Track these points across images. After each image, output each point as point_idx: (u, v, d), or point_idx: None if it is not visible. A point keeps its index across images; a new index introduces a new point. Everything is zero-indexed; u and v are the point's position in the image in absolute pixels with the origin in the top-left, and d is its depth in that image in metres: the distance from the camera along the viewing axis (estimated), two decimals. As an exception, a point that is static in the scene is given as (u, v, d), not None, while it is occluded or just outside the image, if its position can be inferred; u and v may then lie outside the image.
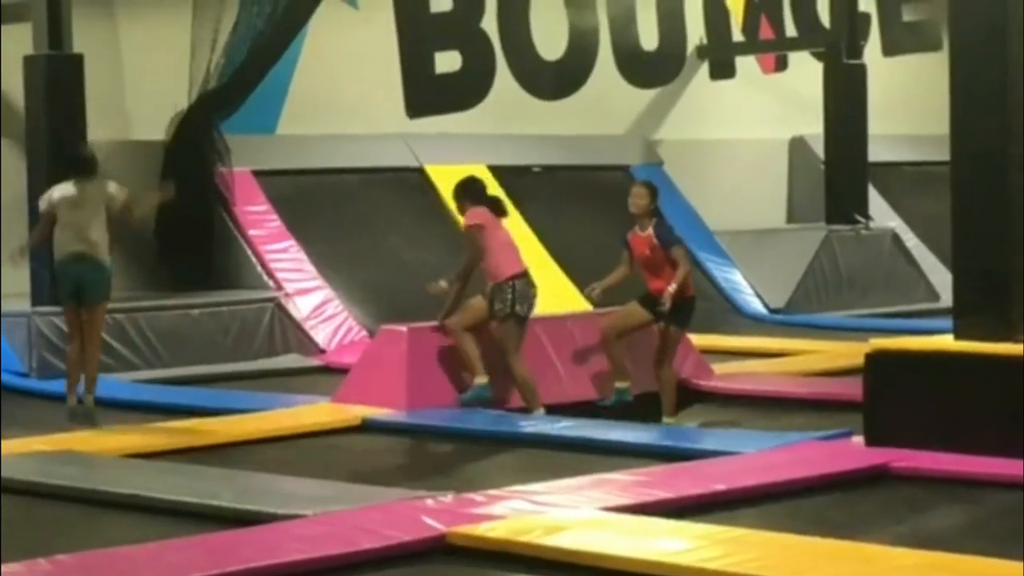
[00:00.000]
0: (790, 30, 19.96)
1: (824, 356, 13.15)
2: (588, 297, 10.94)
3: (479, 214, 10.58)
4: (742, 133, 19.56)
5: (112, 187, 10.91)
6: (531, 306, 10.56)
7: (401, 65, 16.53)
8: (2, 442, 9.44)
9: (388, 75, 16.39)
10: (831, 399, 10.69)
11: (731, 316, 16.50)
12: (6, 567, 6.36)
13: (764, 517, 7.37)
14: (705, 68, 19.51)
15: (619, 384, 10.53)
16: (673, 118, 19.31)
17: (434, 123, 16.73)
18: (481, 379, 10.43)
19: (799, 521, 7.26)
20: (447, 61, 16.89)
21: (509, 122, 17.36)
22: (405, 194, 16.31)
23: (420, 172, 16.64)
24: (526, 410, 10.46)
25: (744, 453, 8.82)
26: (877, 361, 8.86)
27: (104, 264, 10.77)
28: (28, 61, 13.25)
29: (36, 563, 6.43)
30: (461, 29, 17.05)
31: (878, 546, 6.62)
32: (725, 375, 11.94)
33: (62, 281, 10.85)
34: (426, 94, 16.73)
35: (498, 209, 10.73)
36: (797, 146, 19.97)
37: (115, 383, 12.44)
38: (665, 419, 10.35)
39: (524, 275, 10.52)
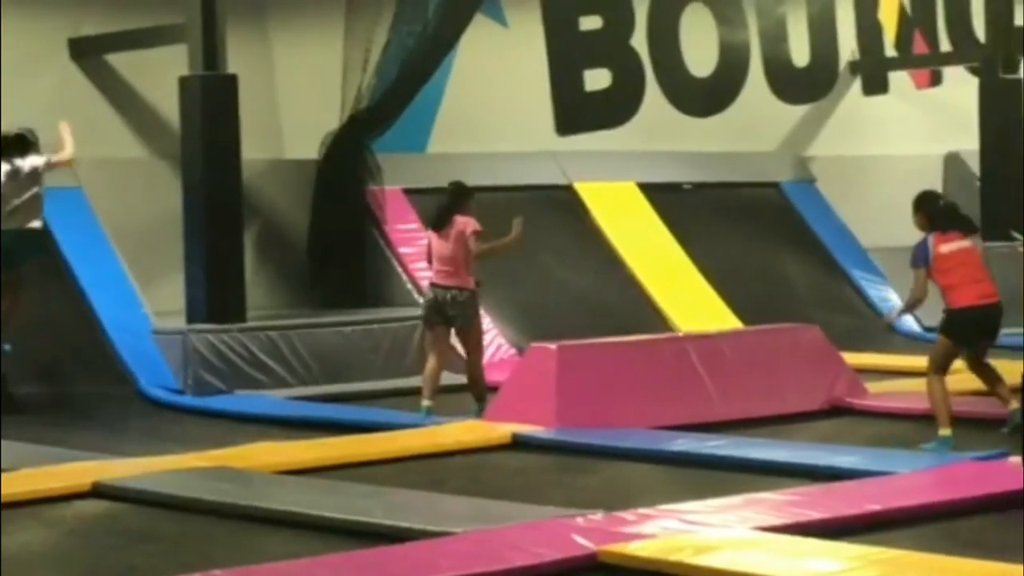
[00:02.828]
0: (944, 45, 19.68)
1: (981, 375, 12.88)
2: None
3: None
4: (896, 149, 19.31)
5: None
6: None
7: (551, 83, 16.56)
8: (155, 459, 9.60)
9: (538, 93, 16.43)
10: (988, 419, 10.48)
11: (885, 334, 16.26)
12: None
13: (920, 538, 7.25)
14: (858, 83, 19.30)
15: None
16: (825, 134, 19.13)
17: (583, 141, 16.73)
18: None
19: (955, 543, 7.13)
20: (597, 79, 16.89)
21: (659, 139, 17.31)
22: (554, 212, 16.31)
23: (569, 190, 16.65)
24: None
25: (899, 473, 8.68)
26: (1036, 380, 8.68)
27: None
28: (183, 82, 13.47)
29: (192, 578, 6.52)
30: (611, 46, 17.05)
31: (1038, 569, 6.47)
32: (879, 394, 11.78)
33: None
34: (576, 112, 16.75)
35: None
36: (952, 162, 19.66)
37: (268, 400, 12.61)
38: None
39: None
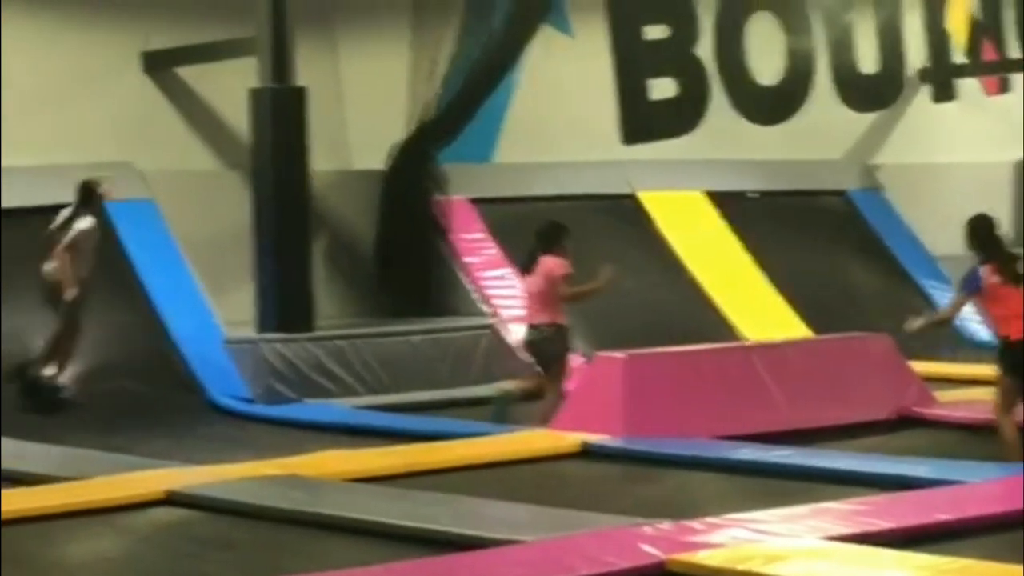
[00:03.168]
0: (1014, 51, 19.53)
1: (1051, 384, 12.78)
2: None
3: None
4: (965, 156, 19.20)
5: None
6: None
7: (616, 92, 16.58)
8: (227, 467, 9.68)
9: (603, 102, 16.45)
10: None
11: (955, 343, 16.18)
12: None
13: (989, 548, 7.21)
14: (926, 91, 19.19)
15: None
16: (893, 142, 19.04)
17: (649, 149, 16.74)
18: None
19: (1025, 553, 7.10)
20: (662, 87, 16.89)
21: (724, 147, 17.28)
22: (619, 221, 16.33)
23: (633, 199, 16.66)
24: None
25: (968, 482, 8.65)
26: (1107, 389, 8.61)
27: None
28: (253, 94, 13.59)
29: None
30: (676, 55, 17.01)
31: (1110, 579, 6.44)
32: (948, 403, 11.72)
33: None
34: (641, 120, 16.73)
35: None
36: (1022, 169, 19.53)
37: (337, 409, 12.69)
38: None
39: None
